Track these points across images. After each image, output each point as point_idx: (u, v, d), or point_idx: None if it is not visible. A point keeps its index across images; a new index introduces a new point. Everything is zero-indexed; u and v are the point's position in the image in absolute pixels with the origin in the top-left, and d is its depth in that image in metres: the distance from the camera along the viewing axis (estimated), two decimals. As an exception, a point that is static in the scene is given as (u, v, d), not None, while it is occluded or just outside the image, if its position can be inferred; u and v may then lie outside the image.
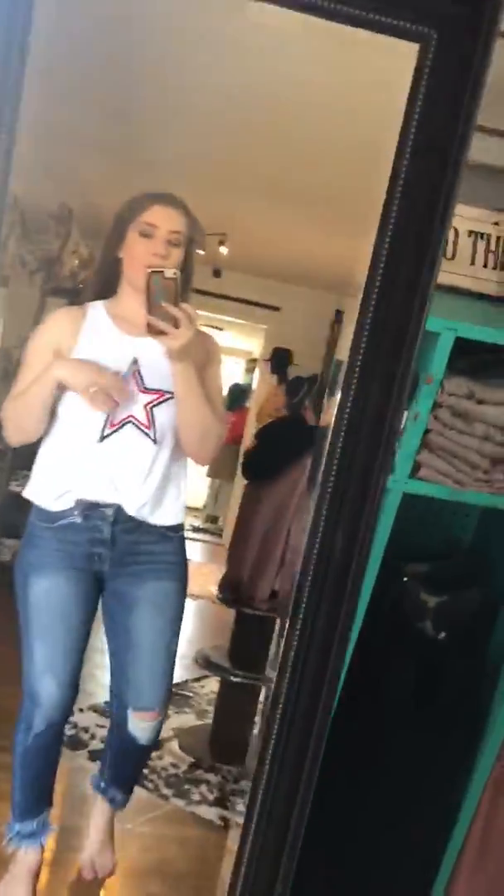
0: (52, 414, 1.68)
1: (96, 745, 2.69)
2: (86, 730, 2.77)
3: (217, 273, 6.31)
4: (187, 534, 1.87)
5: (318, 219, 3.82)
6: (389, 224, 1.16)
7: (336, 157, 2.76)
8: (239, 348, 8.31)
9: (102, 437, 1.67)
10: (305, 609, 1.23)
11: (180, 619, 1.85)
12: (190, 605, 1.87)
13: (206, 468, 4.18)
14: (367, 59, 1.64)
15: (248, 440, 6.29)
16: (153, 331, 1.55)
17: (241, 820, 2.38)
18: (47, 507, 1.72)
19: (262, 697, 2.89)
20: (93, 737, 2.74)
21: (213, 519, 7.75)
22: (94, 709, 2.91)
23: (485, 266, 1.61)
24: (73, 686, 1.81)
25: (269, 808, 1.25)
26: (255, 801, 1.26)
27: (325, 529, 1.22)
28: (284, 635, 1.25)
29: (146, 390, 1.68)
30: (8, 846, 1.89)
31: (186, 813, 2.45)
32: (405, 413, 1.32)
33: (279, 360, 6.48)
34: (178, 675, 1.92)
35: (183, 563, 1.85)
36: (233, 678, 2.83)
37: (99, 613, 1.84)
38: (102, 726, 2.79)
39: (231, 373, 7.94)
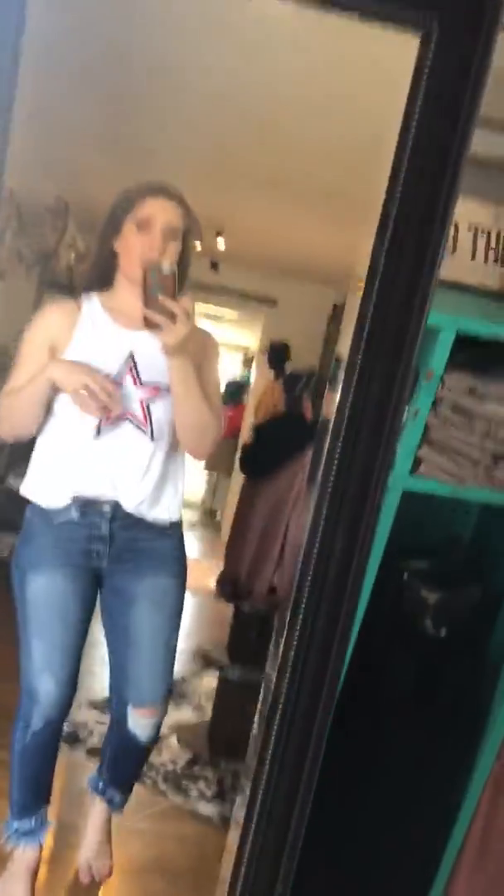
0: (48, 410, 1.67)
1: (95, 741, 2.69)
2: (84, 726, 2.76)
3: (214, 266, 6.31)
4: (185, 528, 1.86)
5: (317, 212, 3.80)
6: (390, 218, 1.15)
7: (335, 150, 2.74)
8: (236, 343, 8.32)
9: (98, 433, 1.66)
10: (305, 609, 1.22)
11: (180, 614, 1.84)
12: (188, 601, 1.86)
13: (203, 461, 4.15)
14: (367, 53, 1.62)
15: (245, 435, 6.31)
16: (150, 325, 1.53)
17: (239, 816, 2.39)
18: (44, 503, 1.71)
19: (261, 694, 2.89)
20: (91, 733, 2.74)
21: (211, 513, 7.77)
22: (93, 705, 2.91)
23: (485, 261, 1.59)
24: (71, 684, 1.80)
25: (269, 808, 1.24)
26: (255, 801, 1.26)
27: (326, 528, 1.21)
28: (284, 635, 1.23)
29: (142, 385, 1.67)
30: (6, 844, 1.88)
31: (185, 809, 2.45)
32: (405, 409, 1.30)
33: (276, 354, 6.48)
34: (177, 671, 1.91)
35: (182, 558, 1.84)
36: (231, 673, 2.83)
37: (97, 610, 1.84)
38: (101, 723, 2.79)
39: (228, 367, 7.95)
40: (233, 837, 1.53)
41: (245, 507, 2.86)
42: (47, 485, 1.71)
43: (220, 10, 2.05)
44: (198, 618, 3.89)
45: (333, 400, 1.19)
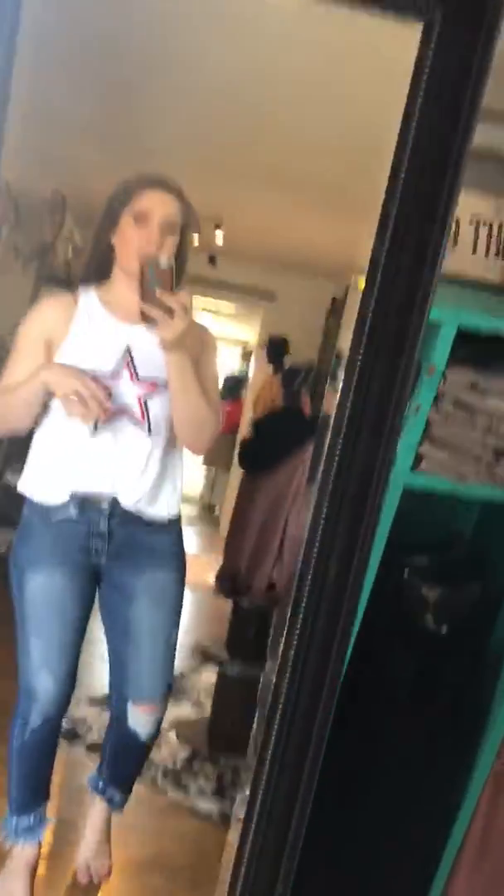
0: (45, 407, 1.66)
1: (94, 737, 2.68)
2: (83, 722, 2.76)
3: (212, 260, 6.29)
4: (183, 524, 1.85)
5: (316, 206, 3.78)
6: (391, 213, 1.13)
7: (335, 143, 2.72)
8: (234, 337, 8.30)
9: (95, 430, 1.65)
10: (306, 607, 1.21)
11: (179, 610, 1.84)
12: (187, 596, 1.86)
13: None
14: (367, 45, 1.60)
15: (244, 430, 6.30)
16: (147, 319, 1.52)
17: (239, 814, 2.38)
18: (42, 500, 1.70)
19: (259, 691, 2.88)
20: (90, 729, 2.73)
21: (209, 508, 7.77)
22: (92, 701, 2.90)
23: (487, 254, 1.58)
24: (70, 681, 1.79)
25: (269, 808, 1.23)
26: (255, 801, 1.25)
27: (326, 526, 1.20)
28: (284, 633, 1.22)
29: (140, 381, 1.65)
30: (5, 841, 1.88)
31: (184, 806, 2.44)
32: (407, 405, 1.29)
33: (275, 348, 6.46)
34: (175, 667, 1.91)
35: (181, 553, 1.83)
36: (230, 669, 2.82)
37: (96, 606, 1.83)
38: (100, 718, 2.78)
39: (226, 361, 7.94)
40: (233, 836, 1.53)
41: (244, 502, 2.85)
42: (45, 481, 1.70)
43: (217, 2, 2.03)
44: (196, 613, 3.88)
45: (334, 396, 1.17)
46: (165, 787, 2.51)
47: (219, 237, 4.96)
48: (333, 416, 1.17)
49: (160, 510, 1.74)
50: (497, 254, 1.59)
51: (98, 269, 1.70)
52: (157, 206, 1.60)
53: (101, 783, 2.00)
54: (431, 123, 1.14)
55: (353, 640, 1.31)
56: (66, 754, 2.48)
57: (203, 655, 2.92)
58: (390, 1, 1.11)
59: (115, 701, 1.89)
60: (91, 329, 1.66)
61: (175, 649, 1.85)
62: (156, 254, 1.54)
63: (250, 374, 7.03)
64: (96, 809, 2.02)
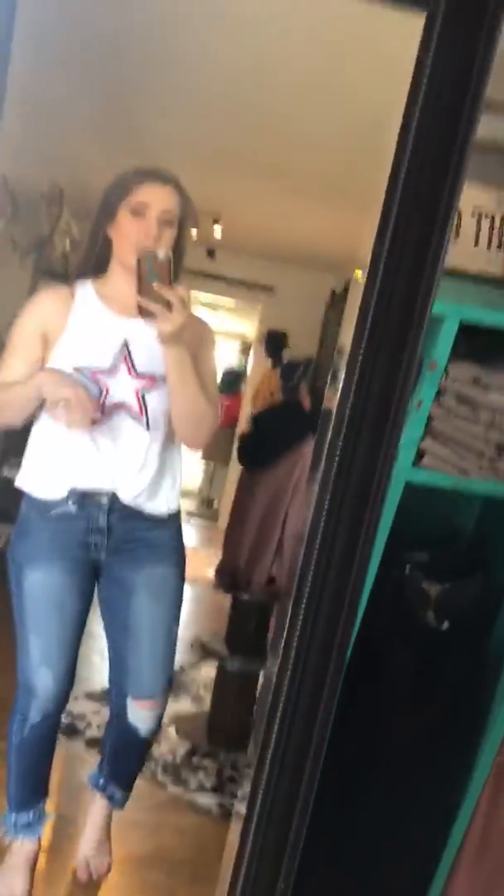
0: (43, 402, 1.64)
1: (93, 732, 2.68)
2: (82, 717, 2.76)
3: (211, 253, 6.27)
4: (182, 518, 1.84)
5: (315, 199, 3.77)
6: (393, 206, 1.12)
7: (335, 136, 2.71)
8: (233, 330, 8.29)
9: (93, 424, 1.63)
10: (307, 604, 1.20)
11: (179, 605, 1.83)
12: (186, 590, 1.85)
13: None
14: (368, 36, 1.58)
15: (243, 424, 6.29)
16: (145, 313, 1.50)
17: (238, 806, 2.38)
18: (40, 495, 1.69)
19: (258, 688, 2.88)
20: (89, 725, 2.73)
21: (208, 502, 7.77)
22: (91, 696, 2.90)
23: (489, 247, 1.57)
24: (69, 677, 1.79)
25: (269, 809, 1.23)
26: (256, 801, 1.24)
27: (328, 523, 1.19)
28: (285, 630, 1.22)
29: (137, 375, 1.64)
30: (5, 837, 1.87)
31: (184, 800, 2.44)
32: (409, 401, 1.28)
33: (274, 342, 6.45)
34: (175, 661, 1.90)
35: (180, 548, 1.82)
36: (229, 664, 2.82)
37: (95, 601, 1.82)
38: (99, 713, 2.78)
39: (225, 355, 7.93)
40: (234, 833, 1.53)
41: (243, 497, 2.84)
42: (43, 477, 1.69)
43: (217, -3, 2.02)
44: (196, 608, 3.88)
45: (336, 392, 1.16)
46: (165, 781, 2.51)
47: (217, 231, 4.94)
48: (335, 411, 1.16)
49: (159, 505, 1.74)
50: (499, 247, 1.57)
51: (95, 262, 1.69)
52: (155, 198, 1.58)
53: (101, 780, 1.99)
54: (434, 117, 1.13)
55: (354, 636, 1.31)
56: (65, 750, 2.48)
57: (202, 650, 2.91)
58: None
59: (115, 697, 1.89)
60: (88, 323, 1.64)
61: (175, 645, 1.85)
62: (153, 247, 1.53)
63: (249, 369, 7.02)
64: (97, 807, 2.02)
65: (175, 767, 2.60)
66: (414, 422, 1.34)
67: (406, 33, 1.17)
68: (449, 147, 1.13)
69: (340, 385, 1.15)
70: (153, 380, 1.64)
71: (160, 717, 1.89)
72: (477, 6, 1.11)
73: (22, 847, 1.87)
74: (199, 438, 1.72)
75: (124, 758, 1.97)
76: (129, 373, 1.64)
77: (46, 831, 1.94)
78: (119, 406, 1.64)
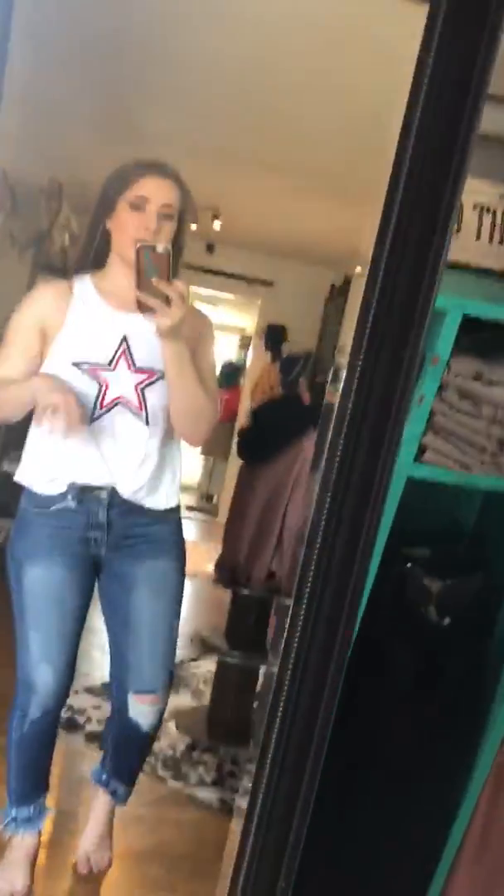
0: None
1: (93, 727, 2.68)
2: (82, 712, 2.76)
3: (210, 248, 6.25)
4: (182, 512, 1.84)
5: (316, 193, 3.76)
6: (395, 201, 1.11)
7: (336, 129, 2.70)
8: (232, 325, 8.28)
9: (92, 419, 1.63)
10: (307, 607, 1.20)
11: (180, 600, 1.83)
12: (186, 585, 1.85)
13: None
14: (370, 27, 1.58)
15: (242, 418, 6.28)
16: (143, 308, 1.49)
17: (239, 801, 2.38)
18: (40, 490, 1.69)
19: (260, 684, 2.88)
20: (89, 719, 2.74)
21: (207, 497, 7.77)
22: (91, 690, 2.90)
23: (490, 241, 1.56)
24: (69, 672, 1.78)
25: (269, 808, 1.23)
26: (256, 801, 1.24)
27: (329, 520, 1.18)
28: (287, 627, 1.21)
29: (137, 370, 1.63)
30: (5, 832, 1.87)
31: (184, 795, 2.45)
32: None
33: (273, 336, 6.44)
34: (176, 656, 1.90)
35: (180, 543, 1.82)
36: (229, 659, 2.82)
37: (95, 596, 1.81)
38: (99, 708, 2.78)
39: (224, 349, 7.93)
40: (234, 832, 1.52)
41: (243, 491, 2.83)
42: (43, 472, 1.69)
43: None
44: (195, 602, 3.88)
45: (337, 389, 1.16)
46: (165, 776, 2.51)
47: (216, 226, 4.93)
48: (336, 409, 1.15)
49: (159, 500, 1.73)
50: (501, 241, 1.56)
51: (94, 256, 1.68)
52: (155, 192, 1.57)
53: (104, 776, 1.99)
54: (436, 112, 1.12)
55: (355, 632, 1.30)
56: (65, 744, 2.48)
57: (202, 644, 2.91)
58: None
59: (116, 692, 1.88)
60: (87, 318, 1.64)
61: (176, 640, 1.85)
62: (152, 241, 1.52)
63: (248, 363, 7.02)
64: (100, 802, 2.01)
65: (175, 762, 2.60)
66: (416, 417, 1.33)
67: (408, 28, 1.16)
68: (451, 142, 1.12)
69: (342, 383, 1.15)
70: (153, 374, 1.64)
71: (162, 712, 1.89)
72: (479, 1, 1.10)
73: (22, 841, 1.87)
74: (199, 434, 1.71)
75: (126, 753, 1.96)
76: (129, 368, 1.63)
77: (47, 826, 1.95)
78: (118, 401, 1.63)
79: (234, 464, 4.55)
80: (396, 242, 1.11)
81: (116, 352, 1.63)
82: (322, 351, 5.84)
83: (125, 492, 1.68)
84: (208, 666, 3.29)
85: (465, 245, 1.53)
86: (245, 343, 7.78)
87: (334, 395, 1.17)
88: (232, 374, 7.43)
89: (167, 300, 1.48)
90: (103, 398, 1.62)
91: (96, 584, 1.80)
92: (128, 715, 1.85)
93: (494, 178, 1.57)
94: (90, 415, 1.62)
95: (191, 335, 1.61)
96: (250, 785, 1.28)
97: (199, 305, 1.70)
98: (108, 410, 1.63)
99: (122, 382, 1.63)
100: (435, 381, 1.34)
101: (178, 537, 1.82)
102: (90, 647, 2.85)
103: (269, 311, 6.36)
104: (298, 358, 3.78)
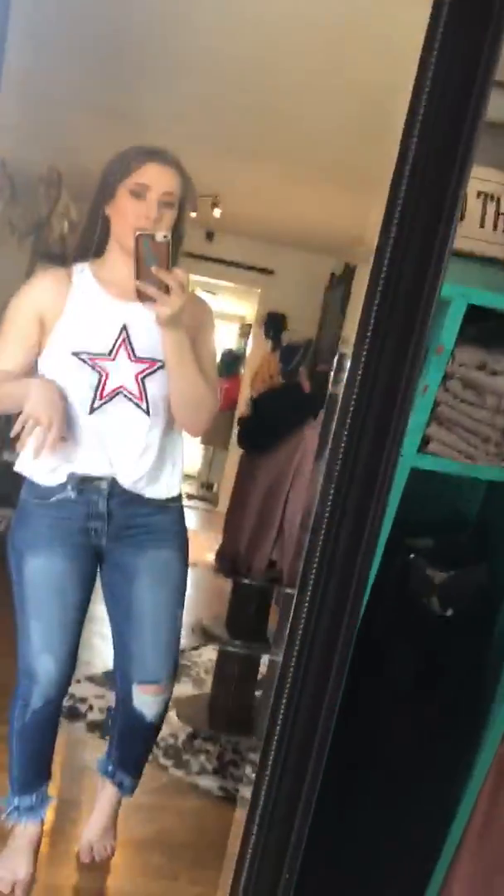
0: None
1: (94, 715, 2.69)
2: (83, 700, 2.76)
3: (210, 236, 6.22)
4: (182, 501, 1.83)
5: (317, 180, 3.74)
6: (401, 191, 1.09)
7: (338, 116, 2.68)
8: (232, 313, 8.25)
9: (93, 409, 1.62)
10: (310, 601, 1.19)
11: (183, 590, 1.82)
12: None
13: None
14: (375, 14, 1.56)
15: (242, 407, 6.27)
16: (143, 297, 1.48)
17: (239, 788, 2.39)
18: (40, 481, 1.68)
19: (262, 667, 2.89)
20: (91, 708, 2.74)
21: (207, 486, 7.77)
22: (92, 679, 2.91)
23: (494, 229, 1.54)
24: (71, 662, 1.78)
25: (273, 802, 1.23)
26: (259, 796, 1.24)
27: (333, 510, 1.18)
28: (290, 619, 1.21)
29: (137, 360, 1.62)
30: (7, 820, 1.87)
31: (186, 783, 2.45)
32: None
33: (273, 324, 6.42)
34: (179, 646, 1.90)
35: (182, 532, 1.82)
36: (230, 648, 2.82)
37: (97, 586, 1.81)
38: (101, 697, 2.79)
39: (224, 338, 7.90)
40: (237, 823, 1.53)
41: (244, 480, 2.83)
42: (43, 462, 1.68)
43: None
44: (196, 591, 3.88)
45: (341, 377, 1.15)
46: (166, 765, 2.52)
47: (216, 213, 4.91)
48: (340, 400, 1.14)
49: (160, 490, 1.73)
50: (505, 229, 1.55)
51: (93, 244, 1.66)
52: (156, 180, 1.56)
53: (110, 767, 1.99)
54: (442, 96, 1.10)
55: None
56: (67, 733, 2.49)
57: (203, 633, 2.91)
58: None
59: (121, 682, 1.88)
60: (86, 307, 1.62)
61: (180, 630, 1.84)
62: (152, 228, 1.50)
63: (248, 351, 7.00)
64: (106, 794, 2.01)
65: (176, 751, 2.61)
66: (420, 407, 1.33)
67: (413, 14, 1.15)
68: (457, 129, 1.10)
69: (346, 373, 1.14)
70: (153, 364, 1.62)
71: (166, 702, 1.88)
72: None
73: (25, 830, 1.88)
74: (199, 423, 1.70)
75: (131, 743, 1.96)
76: (129, 357, 1.62)
77: (49, 814, 1.95)
78: (118, 391, 1.62)
79: (234, 453, 4.54)
80: (401, 231, 1.10)
81: (116, 341, 1.61)
82: (322, 339, 5.82)
83: (125, 482, 1.68)
84: (209, 655, 3.30)
85: (468, 233, 1.52)
86: (245, 331, 7.76)
87: (338, 385, 1.16)
88: (232, 362, 7.41)
89: (167, 289, 1.47)
90: (103, 388, 1.61)
91: (98, 575, 1.80)
92: (132, 705, 1.85)
93: (499, 166, 1.56)
94: (90, 405, 1.61)
95: (191, 324, 1.60)
96: (253, 774, 1.28)
97: (198, 294, 1.69)
98: (109, 401, 1.62)
99: (122, 372, 1.62)
100: (439, 371, 1.33)
101: (180, 527, 1.81)
102: (91, 636, 2.85)
103: (269, 299, 6.34)
104: (298, 346, 3.77)
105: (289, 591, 1.27)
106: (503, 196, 1.55)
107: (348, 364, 1.13)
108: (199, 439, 6.93)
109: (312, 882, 1.32)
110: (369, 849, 1.46)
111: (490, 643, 1.56)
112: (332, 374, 1.18)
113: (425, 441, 1.38)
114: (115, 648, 1.87)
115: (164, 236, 1.46)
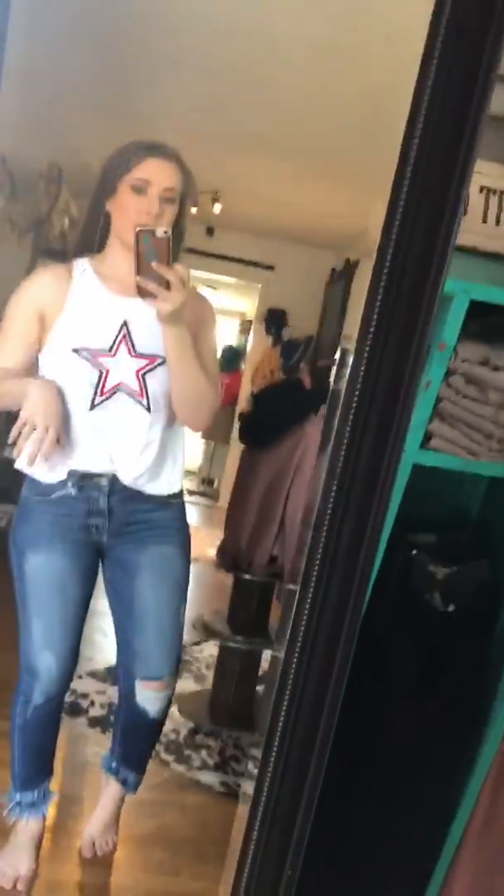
0: None
1: (96, 711, 2.69)
2: (85, 696, 2.77)
3: (210, 231, 6.21)
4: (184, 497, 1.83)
5: (318, 175, 3.73)
6: (403, 184, 1.09)
7: (340, 110, 2.67)
8: (233, 308, 8.24)
9: (93, 406, 1.62)
10: (313, 597, 1.19)
11: (185, 586, 1.82)
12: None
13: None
14: (377, 8, 1.55)
15: (243, 403, 6.27)
16: (143, 293, 1.47)
17: (241, 784, 2.39)
18: (41, 478, 1.68)
19: (263, 662, 2.89)
20: (92, 703, 2.74)
21: (208, 482, 7.77)
22: (94, 675, 2.91)
23: (497, 224, 1.54)
24: (72, 658, 1.78)
25: (273, 806, 1.23)
26: (262, 790, 1.24)
27: (335, 506, 1.18)
28: (292, 615, 1.21)
29: (137, 356, 1.62)
30: (9, 816, 1.88)
31: (187, 779, 2.46)
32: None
33: (274, 320, 6.41)
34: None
35: (184, 528, 1.81)
36: (232, 643, 2.82)
37: (99, 581, 1.81)
38: (102, 692, 2.79)
39: (225, 334, 7.90)
40: (239, 819, 1.52)
41: (245, 476, 2.82)
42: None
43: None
44: (197, 587, 3.88)
45: (344, 373, 1.15)
46: (168, 760, 2.52)
47: (217, 209, 4.90)
48: (342, 397, 1.14)
49: (161, 486, 1.72)
50: (507, 224, 1.54)
51: (94, 239, 1.66)
52: (157, 175, 1.55)
53: (114, 763, 1.99)
54: (445, 91, 1.10)
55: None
56: (69, 729, 2.49)
57: (204, 629, 2.91)
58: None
59: (123, 679, 1.88)
60: (87, 303, 1.62)
61: (182, 625, 1.84)
62: (153, 224, 1.50)
63: (248, 347, 7.00)
64: (110, 790, 2.01)
65: (178, 746, 2.61)
66: (422, 403, 1.32)
67: (416, 8, 1.14)
68: (460, 124, 1.10)
69: (348, 369, 1.13)
70: (153, 360, 1.62)
71: (169, 698, 1.88)
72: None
73: (27, 826, 1.88)
74: (200, 419, 1.70)
75: (134, 740, 1.96)
76: (129, 353, 1.62)
77: (51, 810, 1.96)
78: (119, 387, 1.62)
79: (235, 448, 4.54)
80: (404, 227, 1.09)
81: (117, 337, 1.61)
82: (323, 335, 5.81)
83: (126, 479, 1.67)
84: (210, 650, 3.30)
85: (471, 228, 1.51)
86: (245, 327, 7.75)
87: (340, 381, 1.15)
88: (232, 358, 7.41)
89: (167, 285, 1.46)
90: (104, 385, 1.61)
91: (101, 571, 1.79)
92: (135, 701, 1.85)
93: (502, 160, 1.55)
94: (90, 401, 1.61)
95: (192, 319, 1.59)
96: (255, 770, 1.28)
97: (199, 290, 1.69)
98: (109, 397, 1.62)
99: (122, 368, 1.61)
100: (441, 367, 1.33)
101: (181, 523, 1.81)
102: (93, 632, 2.86)
103: (270, 294, 6.33)
104: (299, 342, 3.76)
105: (290, 586, 1.26)
106: (506, 190, 1.54)
107: (350, 360, 1.13)
108: (199, 434, 6.94)
109: (312, 880, 1.32)
110: (369, 847, 1.47)
111: (492, 639, 1.56)
112: (334, 369, 1.17)
113: (427, 437, 1.38)
114: (117, 645, 1.87)
115: (165, 232, 1.46)
